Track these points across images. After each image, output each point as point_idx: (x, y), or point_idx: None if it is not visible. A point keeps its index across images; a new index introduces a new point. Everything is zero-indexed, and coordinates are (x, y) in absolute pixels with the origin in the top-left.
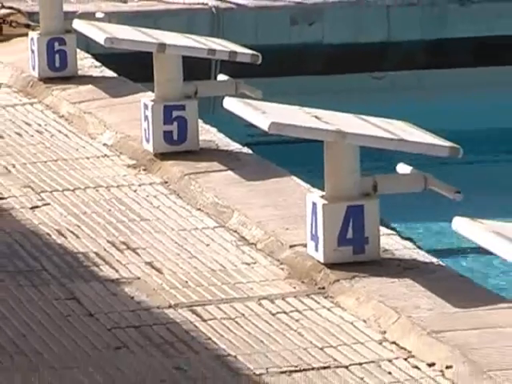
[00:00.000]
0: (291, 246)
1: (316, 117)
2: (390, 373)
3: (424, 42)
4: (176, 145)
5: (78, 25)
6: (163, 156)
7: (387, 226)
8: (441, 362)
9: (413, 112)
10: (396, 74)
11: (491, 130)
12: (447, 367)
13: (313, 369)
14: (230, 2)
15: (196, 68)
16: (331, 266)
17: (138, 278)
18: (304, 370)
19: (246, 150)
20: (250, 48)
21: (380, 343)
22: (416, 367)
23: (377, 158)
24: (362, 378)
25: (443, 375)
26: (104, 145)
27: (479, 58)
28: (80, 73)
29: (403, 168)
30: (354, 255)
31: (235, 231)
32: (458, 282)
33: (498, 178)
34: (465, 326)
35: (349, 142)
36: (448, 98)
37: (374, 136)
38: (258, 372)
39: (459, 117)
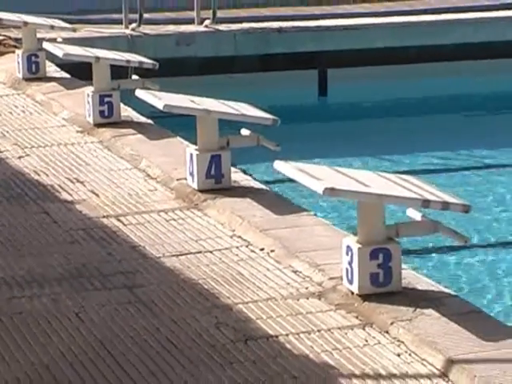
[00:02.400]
0: (177, 179)
1: (192, 101)
2: (237, 254)
3: (258, 55)
4: (106, 118)
5: (47, 45)
6: (99, 125)
7: (236, 167)
8: (267, 247)
9: (251, 98)
10: (241, 75)
11: (296, 107)
12: (271, 251)
13: (191, 253)
14: (139, 32)
15: (119, 71)
16: (201, 191)
17: (85, 200)
18: (185, 254)
19: (149, 121)
20: (152, 59)
21: (231, 237)
22: (253, 251)
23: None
24: (220, 258)
25: (269, 255)
26: (63, 119)
27: (290, 65)
28: (48, 75)
29: (245, 131)
30: (215, 184)
31: (143, 171)
32: (278, 200)
33: (303, 134)
34: (282, 226)
35: (212, 116)
36: (270, 88)
37: (226, 112)
38: (157, 255)
39: (277, 100)
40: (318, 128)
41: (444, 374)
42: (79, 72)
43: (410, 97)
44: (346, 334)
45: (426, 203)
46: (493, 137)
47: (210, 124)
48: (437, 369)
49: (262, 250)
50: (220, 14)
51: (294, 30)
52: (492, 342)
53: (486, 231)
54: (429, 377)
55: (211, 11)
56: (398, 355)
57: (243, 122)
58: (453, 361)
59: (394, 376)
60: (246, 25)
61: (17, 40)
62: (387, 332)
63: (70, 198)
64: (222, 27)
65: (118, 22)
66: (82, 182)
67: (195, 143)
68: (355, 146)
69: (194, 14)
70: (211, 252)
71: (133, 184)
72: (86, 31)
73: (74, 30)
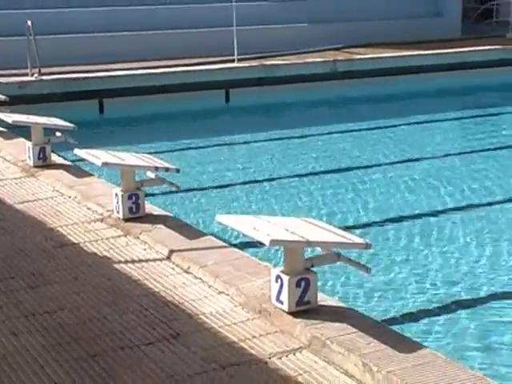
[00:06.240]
0: (22, 161)
1: (28, 117)
2: (56, 200)
3: (63, 93)
4: None
5: None
6: None
7: (54, 152)
8: (73, 195)
9: (60, 115)
10: (54, 103)
11: (85, 120)
12: (75, 197)
13: (30, 201)
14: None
15: None
16: (35, 166)
17: None
18: (27, 201)
19: (5, 130)
20: (5, 96)
21: (52, 191)
22: (65, 198)
23: (51, 131)
24: (46, 203)
25: (74, 200)
26: None
27: (81, 97)
28: None
29: (58, 133)
30: (43, 162)
31: (2, 157)
32: (79, 170)
33: (88, 134)
34: (81, 184)
35: (39, 126)
36: (70, 110)
37: (46, 123)
38: (11, 203)
39: (74, 116)
40: (98, 132)
41: (169, 258)
42: None
43: (158, 113)
44: (116, 240)
45: (156, 169)
46: (203, 133)
47: (38, 130)
48: (164, 255)
49: (69, 197)
50: (44, 70)
51: (82, 78)
52: (194, 240)
53: (205, 179)
54: (160, 260)
55: (38, 69)
56: (144, 249)
57: (57, 129)
58: (173, 250)
59: (142, 260)
60: (58, 76)
61: None
62: (138, 238)
63: None
64: (45, 77)
65: None
66: None
67: (31, 140)
68: (123, 140)
69: (28, 70)
70: (41, 200)
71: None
72: None
73: None
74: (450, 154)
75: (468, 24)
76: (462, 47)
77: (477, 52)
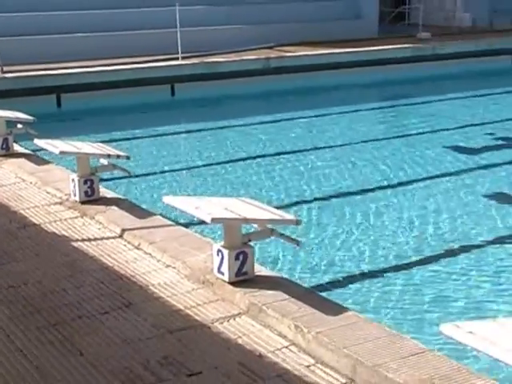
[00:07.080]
0: None
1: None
2: (18, 186)
3: (30, 88)
4: None
5: None
6: None
7: (17, 143)
8: (34, 182)
9: (23, 109)
10: (20, 98)
11: (45, 112)
12: (36, 183)
13: (10, 184)
14: None
15: None
16: (0, 156)
17: None
18: (1, 186)
19: None
20: None
21: (15, 178)
22: (27, 184)
23: (12, 123)
24: (10, 188)
25: (35, 186)
26: None
27: (43, 93)
28: None
29: (19, 125)
30: (6, 152)
31: None
32: (39, 159)
33: (47, 127)
34: (41, 171)
35: (2, 119)
36: (34, 103)
37: (9, 116)
38: None
39: (36, 110)
40: (56, 124)
41: (121, 236)
42: None
43: (110, 106)
44: (73, 221)
45: (108, 156)
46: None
47: (1, 123)
48: (117, 234)
49: (30, 183)
50: (6, 68)
51: (41, 75)
52: (144, 219)
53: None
54: (114, 238)
55: (0, 67)
56: (99, 229)
57: (18, 121)
58: (125, 229)
59: (97, 238)
60: (19, 73)
61: None
62: (93, 218)
63: None
64: (7, 75)
65: None
66: None
67: None
68: (79, 131)
69: None
70: (5, 186)
71: None
72: None
73: None
74: (367, 140)
75: (384, 25)
76: (379, 46)
77: (391, 50)
